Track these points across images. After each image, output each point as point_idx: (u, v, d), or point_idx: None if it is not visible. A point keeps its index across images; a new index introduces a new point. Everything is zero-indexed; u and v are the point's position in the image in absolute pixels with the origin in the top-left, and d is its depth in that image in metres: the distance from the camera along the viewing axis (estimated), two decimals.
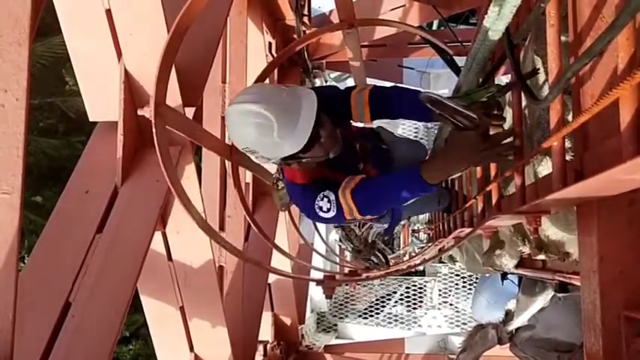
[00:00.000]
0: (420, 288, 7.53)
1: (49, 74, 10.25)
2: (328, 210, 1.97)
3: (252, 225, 3.06)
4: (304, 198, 2.08)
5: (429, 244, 5.79)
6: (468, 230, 2.88)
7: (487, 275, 5.71)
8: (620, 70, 0.97)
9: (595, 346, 1.36)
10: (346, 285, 7.63)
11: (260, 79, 2.81)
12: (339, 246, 9.25)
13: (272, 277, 4.93)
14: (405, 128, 7.94)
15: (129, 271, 2.10)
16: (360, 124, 2.48)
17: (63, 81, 10.96)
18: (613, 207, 1.33)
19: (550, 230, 2.31)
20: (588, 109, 1.00)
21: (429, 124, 7.61)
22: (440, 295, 7.45)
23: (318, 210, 2.00)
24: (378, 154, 2.65)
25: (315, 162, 1.97)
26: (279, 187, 2.40)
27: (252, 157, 1.89)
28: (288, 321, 5.45)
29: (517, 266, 3.43)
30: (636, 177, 0.94)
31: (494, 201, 2.26)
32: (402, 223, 8.17)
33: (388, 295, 7.67)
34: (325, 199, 1.97)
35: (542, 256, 2.76)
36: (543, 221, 2.17)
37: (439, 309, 7.36)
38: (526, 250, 2.91)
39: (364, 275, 3.63)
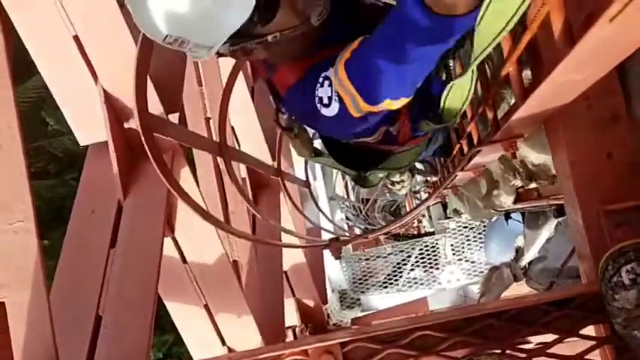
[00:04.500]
0: (433, 247, 7.64)
1: (29, 119, 10.30)
2: (329, 101, 1.28)
3: (255, 214, 3.17)
4: (304, 98, 1.36)
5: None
6: (460, 174, 3.00)
7: (493, 220, 5.81)
8: None
9: (582, 245, 1.48)
10: (361, 259, 7.77)
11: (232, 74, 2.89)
12: (347, 224, 9.42)
13: (287, 264, 5.04)
14: None
15: (148, 276, 2.21)
16: None
17: (44, 123, 11.03)
18: (574, 115, 1.44)
19: (532, 156, 2.42)
20: (528, 27, 1.11)
21: None
22: (453, 250, 7.56)
23: (320, 106, 1.32)
24: None
25: (296, 40, 1.27)
26: (295, 132, 1.67)
27: (188, 54, 1.25)
28: (311, 303, 5.57)
29: (515, 202, 3.55)
30: (574, 77, 1.04)
31: (475, 141, 2.37)
32: (405, 193, 8.28)
33: (403, 260, 7.78)
34: (326, 83, 1.28)
35: (533, 185, 2.88)
36: (524, 149, 2.29)
37: (454, 263, 7.49)
38: (518, 183, 3.03)
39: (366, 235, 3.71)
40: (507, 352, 1.43)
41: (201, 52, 1.21)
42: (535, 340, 1.48)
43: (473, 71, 1.06)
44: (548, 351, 1.41)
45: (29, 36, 2.28)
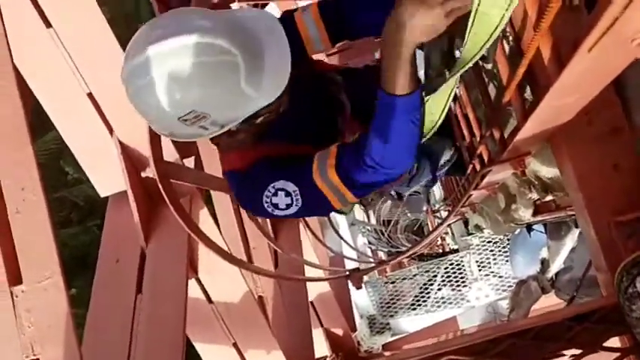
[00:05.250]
0: (458, 264, 7.56)
1: (50, 171, 10.53)
2: (289, 206, 1.39)
3: (276, 249, 3.21)
4: (246, 191, 1.47)
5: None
6: (474, 192, 3.01)
7: (516, 233, 5.78)
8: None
9: (598, 257, 1.49)
10: (387, 283, 7.73)
11: None
12: (370, 249, 9.37)
13: (312, 295, 5.05)
14: None
15: (175, 319, 2.25)
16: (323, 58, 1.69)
17: (64, 172, 11.26)
18: (575, 132, 1.47)
19: (543, 170, 2.43)
20: (524, 59, 1.15)
21: None
22: (478, 266, 7.49)
23: (270, 209, 1.41)
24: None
25: (256, 128, 1.35)
26: None
27: (189, 130, 1.23)
28: (340, 332, 5.55)
29: (534, 214, 3.54)
30: (567, 100, 1.08)
31: (486, 160, 2.39)
32: (425, 208, 8.25)
33: (430, 280, 7.72)
34: (281, 193, 1.38)
35: (550, 197, 2.89)
36: (535, 164, 2.31)
37: (482, 279, 7.41)
38: (534, 196, 3.03)
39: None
40: None
41: (212, 129, 1.24)
42: (567, 354, 1.49)
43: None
44: None
45: (45, 97, 2.38)
